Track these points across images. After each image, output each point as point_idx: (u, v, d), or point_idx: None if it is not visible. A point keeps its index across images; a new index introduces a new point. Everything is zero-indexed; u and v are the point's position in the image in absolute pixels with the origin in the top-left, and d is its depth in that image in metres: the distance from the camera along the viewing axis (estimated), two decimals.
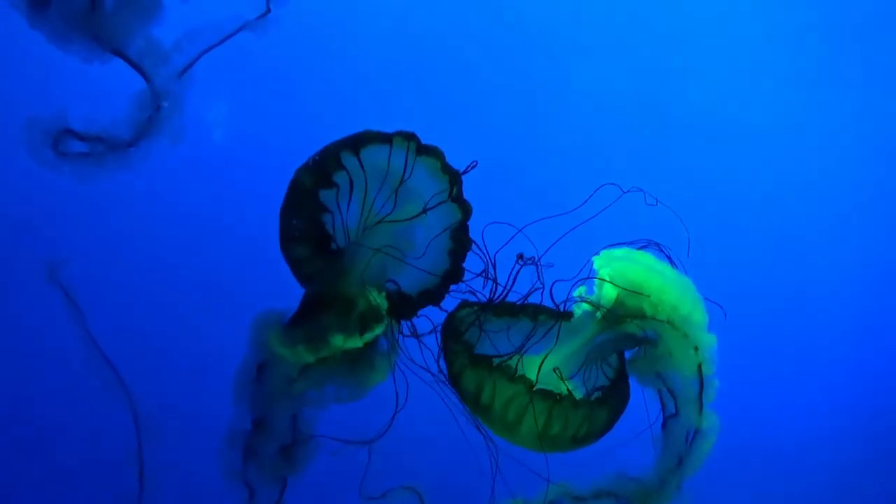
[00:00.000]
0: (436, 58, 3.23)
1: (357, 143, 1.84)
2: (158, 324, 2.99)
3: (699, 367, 1.91)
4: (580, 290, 1.97)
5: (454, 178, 1.89)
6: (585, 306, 1.96)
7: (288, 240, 1.85)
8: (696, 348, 1.90)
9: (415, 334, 1.96)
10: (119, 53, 1.71)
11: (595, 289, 1.97)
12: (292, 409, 1.90)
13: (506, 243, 1.91)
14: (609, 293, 1.94)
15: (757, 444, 3.71)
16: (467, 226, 1.92)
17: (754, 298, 3.56)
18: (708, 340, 1.92)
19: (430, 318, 1.97)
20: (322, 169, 1.83)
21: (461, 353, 1.86)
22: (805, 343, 3.82)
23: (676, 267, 1.96)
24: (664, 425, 2.01)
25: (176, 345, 2.99)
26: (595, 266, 1.95)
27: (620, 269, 1.93)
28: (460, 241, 1.92)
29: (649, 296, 1.89)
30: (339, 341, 1.79)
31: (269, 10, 1.78)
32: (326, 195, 1.85)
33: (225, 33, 1.77)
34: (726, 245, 3.54)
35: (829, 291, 3.82)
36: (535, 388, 1.80)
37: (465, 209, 1.91)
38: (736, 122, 3.69)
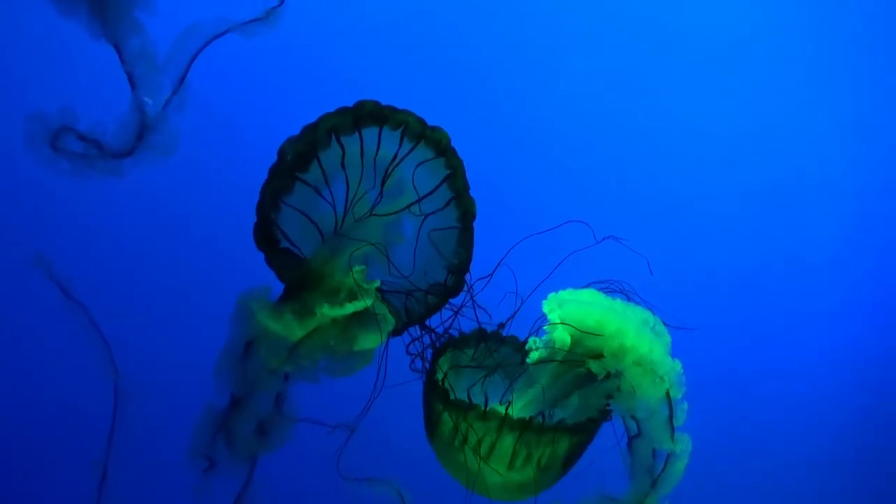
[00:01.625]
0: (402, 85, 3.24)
1: (358, 119, 1.80)
2: (145, 295, 3.01)
3: (667, 393, 1.93)
4: (532, 340, 1.97)
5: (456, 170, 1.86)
6: (541, 352, 1.96)
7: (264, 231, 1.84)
8: (662, 377, 1.91)
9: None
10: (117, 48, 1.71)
11: (548, 333, 1.97)
12: (275, 387, 1.91)
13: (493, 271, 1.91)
14: (563, 336, 1.94)
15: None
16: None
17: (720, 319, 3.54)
18: (672, 367, 1.93)
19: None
20: (311, 139, 1.80)
21: (438, 397, 1.88)
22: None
23: (637, 301, 1.98)
24: (629, 446, 2.03)
25: (162, 315, 3.01)
26: (545, 310, 1.95)
27: (571, 312, 1.93)
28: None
29: (604, 336, 1.90)
30: (326, 310, 1.79)
31: (268, 14, 1.79)
32: (314, 177, 1.84)
33: (222, 29, 1.76)
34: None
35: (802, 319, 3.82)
36: (504, 420, 1.83)
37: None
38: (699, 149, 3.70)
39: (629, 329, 1.89)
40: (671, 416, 1.94)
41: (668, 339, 1.94)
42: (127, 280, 2.98)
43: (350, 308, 1.81)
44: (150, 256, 3.03)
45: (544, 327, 1.94)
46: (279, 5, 1.77)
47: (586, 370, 1.95)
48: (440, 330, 1.98)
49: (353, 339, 1.85)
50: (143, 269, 3.02)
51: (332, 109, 1.79)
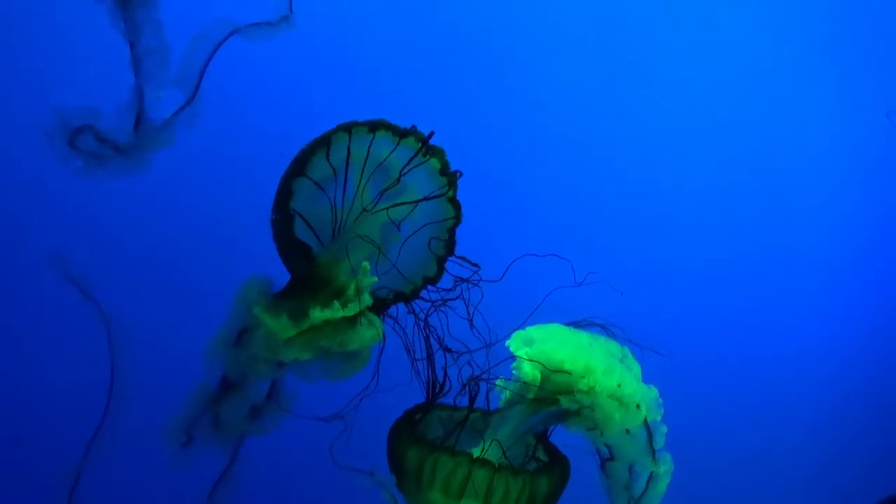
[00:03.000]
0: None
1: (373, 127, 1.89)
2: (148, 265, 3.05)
3: (644, 419, 1.94)
4: (500, 381, 1.99)
5: (452, 179, 1.94)
6: (509, 392, 1.98)
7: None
8: (638, 405, 1.93)
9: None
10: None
11: (516, 372, 1.99)
12: (267, 376, 1.94)
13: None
14: (532, 374, 1.96)
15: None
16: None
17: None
18: (647, 393, 1.95)
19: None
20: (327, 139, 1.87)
21: (405, 436, 1.90)
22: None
23: (614, 333, 2.00)
24: (602, 469, 2.05)
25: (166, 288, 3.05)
26: (512, 349, 1.97)
27: (539, 349, 1.95)
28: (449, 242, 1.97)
29: (574, 372, 1.91)
30: (318, 313, 1.82)
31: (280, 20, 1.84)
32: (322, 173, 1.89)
33: (233, 30, 1.81)
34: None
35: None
36: (475, 459, 1.83)
37: (458, 210, 1.96)
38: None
39: (597, 363, 1.91)
40: (650, 439, 1.96)
41: (638, 369, 1.95)
42: (138, 274, 3.02)
43: (343, 312, 1.84)
44: (160, 251, 3.08)
45: (512, 366, 1.96)
46: (289, 13, 1.85)
47: (558, 407, 1.95)
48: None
49: (346, 342, 1.88)
50: (153, 262, 3.07)
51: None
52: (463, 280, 1.95)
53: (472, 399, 2.00)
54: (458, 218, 1.97)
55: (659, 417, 1.95)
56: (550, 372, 1.92)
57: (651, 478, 2.02)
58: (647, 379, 1.97)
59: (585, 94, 3.63)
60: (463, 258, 1.98)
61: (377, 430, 1.97)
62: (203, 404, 1.91)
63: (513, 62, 3.55)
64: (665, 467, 2.01)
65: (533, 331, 1.98)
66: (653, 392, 1.94)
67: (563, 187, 3.64)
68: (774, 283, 3.90)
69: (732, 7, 3.74)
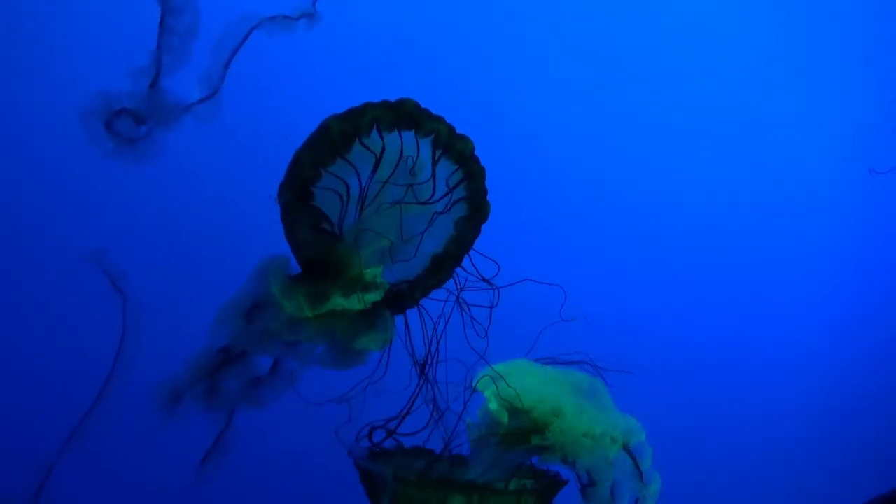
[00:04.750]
0: None
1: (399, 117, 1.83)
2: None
3: (623, 446, 1.95)
4: (468, 421, 1.99)
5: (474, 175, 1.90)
6: (479, 432, 1.98)
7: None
8: (613, 439, 1.93)
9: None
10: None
11: (485, 410, 1.99)
12: (272, 353, 1.92)
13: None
14: (500, 412, 1.96)
15: None
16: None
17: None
18: (623, 423, 1.95)
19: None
20: (355, 123, 1.81)
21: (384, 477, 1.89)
22: None
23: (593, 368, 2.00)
24: (583, 494, 2.02)
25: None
26: (479, 388, 1.97)
27: (507, 387, 1.93)
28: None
29: (543, 411, 1.92)
30: (340, 300, 1.81)
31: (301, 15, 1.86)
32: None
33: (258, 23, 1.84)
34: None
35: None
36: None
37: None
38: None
39: (567, 403, 1.91)
40: (636, 463, 1.96)
41: (608, 400, 1.94)
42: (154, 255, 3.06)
43: (361, 304, 1.82)
44: (176, 235, 3.11)
45: (480, 406, 1.96)
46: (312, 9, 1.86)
47: (529, 445, 1.94)
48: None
49: (355, 336, 1.87)
50: (169, 246, 3.11)
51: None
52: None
53: (447, 445, 2.00)
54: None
55: (642, 439, 1.95)
56: (519, 411, 1.91)
57: (639, 499, 2.02)
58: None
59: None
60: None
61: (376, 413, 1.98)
62: (202, 370, 1.90)
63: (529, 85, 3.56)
64: (654, 486, 2.00)
65: (501, 368, 1.96)
66: (630, 421, 1.93)
67: (554, 194, 3.65)
68: (774, 283, 3.90)
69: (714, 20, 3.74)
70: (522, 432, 1.93)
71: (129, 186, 2.94)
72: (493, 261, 1.97)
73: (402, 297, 1.98)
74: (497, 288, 1.96)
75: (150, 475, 2.96)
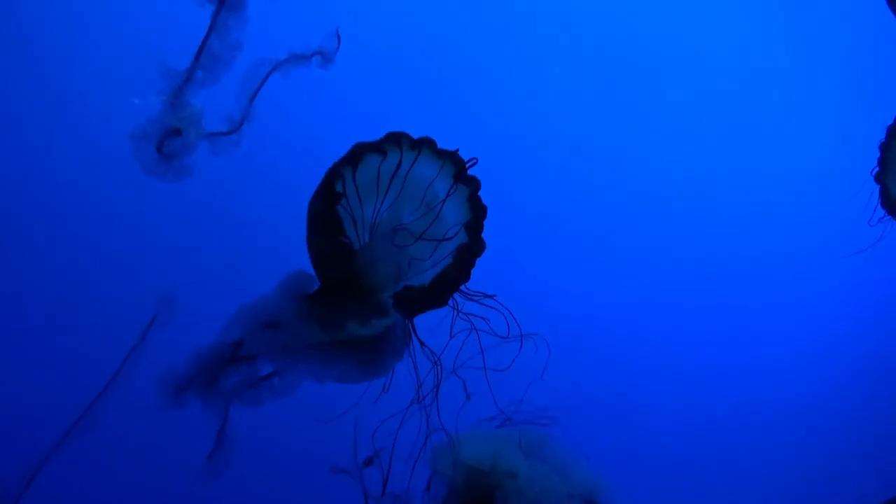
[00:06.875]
0: None
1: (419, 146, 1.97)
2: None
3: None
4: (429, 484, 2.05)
5: (480, 212, 2.01)
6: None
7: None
8: (571, 494, 1.98)
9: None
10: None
11: (444, 475, 2.04)
12: (282, 366, 1.97)
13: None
14: (456, 481, 2.02)
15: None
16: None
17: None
18: (587, 482, 1.97)
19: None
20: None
21: None
22: None
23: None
24: None
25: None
26: (436, 466, 2.03)
27: (462, 457, 2.00)
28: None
29: (498, 476, 1.97)
30: (354, 328, 1.88)
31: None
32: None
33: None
34: None
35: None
36: None
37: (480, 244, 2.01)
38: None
39: (521, 468, 1.97)
40: None
41: (562, 456, 1.96)
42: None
43: (372, 331, 1.89)
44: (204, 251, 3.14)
45: (434, 475, 2.00)
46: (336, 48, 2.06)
47: None
48: None
49: (363, 356, 1.93)
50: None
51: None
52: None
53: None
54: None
55: (607, 486, 1.95)
56: (476, 478, 1.96)
57: None
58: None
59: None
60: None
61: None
62: (211, 364, 1.94)
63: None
64: None
65: (457, 437, 2.00)
66: (591, 477, 1.95)
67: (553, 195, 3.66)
68: (774, 283, 3.91)
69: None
70: (481, 497, 1.97)
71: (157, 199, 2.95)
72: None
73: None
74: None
75: (151, 475, 2.96)
